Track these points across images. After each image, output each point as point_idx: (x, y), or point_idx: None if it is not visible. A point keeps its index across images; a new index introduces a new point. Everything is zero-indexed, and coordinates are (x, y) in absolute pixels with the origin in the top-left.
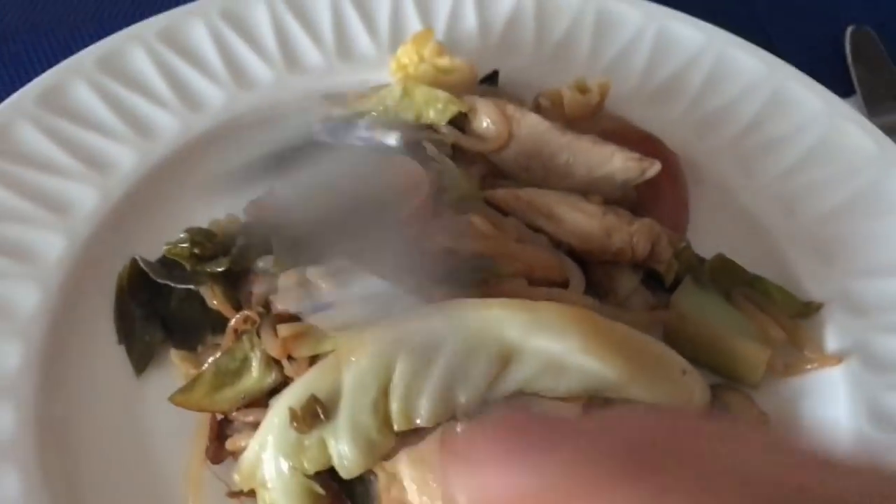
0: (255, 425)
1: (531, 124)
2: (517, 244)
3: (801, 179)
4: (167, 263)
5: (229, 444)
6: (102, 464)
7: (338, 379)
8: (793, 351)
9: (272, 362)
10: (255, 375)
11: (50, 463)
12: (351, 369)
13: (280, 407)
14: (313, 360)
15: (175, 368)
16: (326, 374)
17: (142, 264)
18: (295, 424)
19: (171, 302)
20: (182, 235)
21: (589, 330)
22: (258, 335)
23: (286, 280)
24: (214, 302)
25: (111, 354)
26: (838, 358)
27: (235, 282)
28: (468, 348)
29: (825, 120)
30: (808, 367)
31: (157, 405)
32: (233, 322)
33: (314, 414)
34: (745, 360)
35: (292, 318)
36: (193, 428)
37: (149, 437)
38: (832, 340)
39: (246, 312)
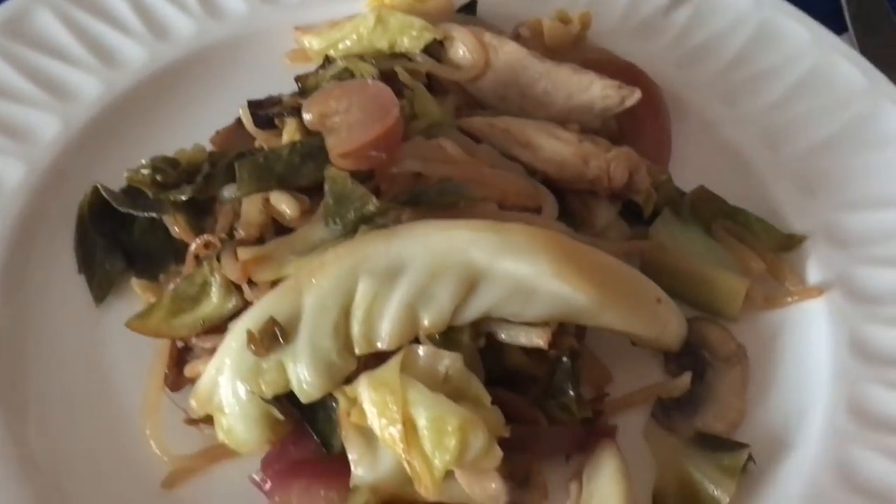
0: (214, 351)
1: (509, 52)
2: (489, 169)
3: (787, 113)
4: (130, 193)
5: (188, 371)
6: (61, 393)
7: (298, 301)
8: (773, 284)
9: (232, 287)
10: (215, 301)
11: (7, 392)
12: (311, 291)
13: (238, 330)
14: (275, 285)
15: (136, 298)
16: (286, 297)
17: (103, 192)
18: (252, 347)
19: (133, 232)
20: (143, 162)
21: (560, 253)
22: (218, 260)
23: (250, 205)
24: (177, 230)
25: (71, 283)
26: (820, 290)
27: (200, 211)
28: (433, 270)
29: (814, 53)
30: (789, 299)
31: (117, 334)
32: (193, 247)
33: (272, 336)
34: (723, 291)
35: (255, 243)
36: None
37: (108, 366)
38: (814, 273)
39: (206, 237)
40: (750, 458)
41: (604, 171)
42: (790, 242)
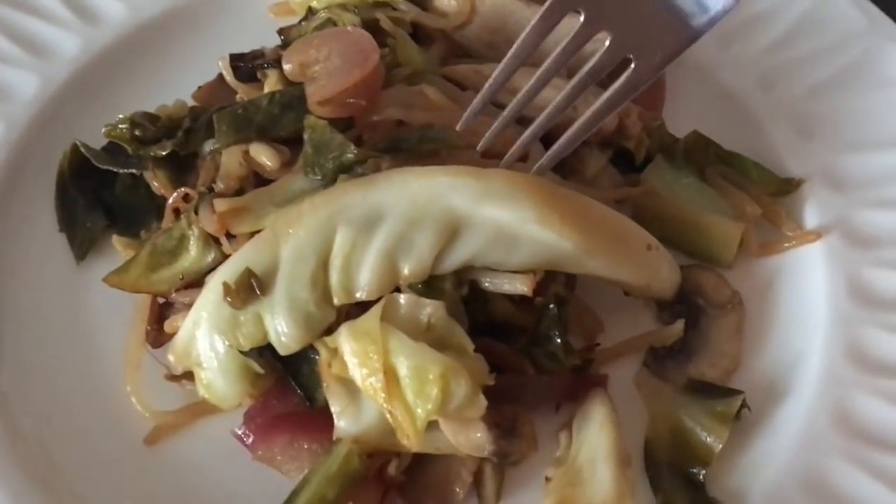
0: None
1: None
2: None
3: (784, 54)
4: (111, 150)
5: (167, 327)
6: (43, 351)
7: (275, 252)
8: (770, 231)
9: (210, 240)
10: (193, 254)
11: None
12: (288, 242)
13: (214, 282)
14: (253, 237)
15: (118, 255)
16: (263, 248)
17: (83, 150)
18: (229, 300)
19: (115, 189)
20: (121, 117)
21: (543, 199)
22: (196, 213)
23: (229, 157)
24: (157, 185)
25: (52, 242)
26: (818, 233)
27: (182, 167)
28: (412, 218)
29: None
30: (786, 245)
31: (99, 292)
32: (171, 200)
33: (249, 288)
34: (718, 237)
35: (235, 195)
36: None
37: (90, 324)
38: (812, 217)
39: (184, 189)
40: (744, 404)
41: None
42: (787, 187)
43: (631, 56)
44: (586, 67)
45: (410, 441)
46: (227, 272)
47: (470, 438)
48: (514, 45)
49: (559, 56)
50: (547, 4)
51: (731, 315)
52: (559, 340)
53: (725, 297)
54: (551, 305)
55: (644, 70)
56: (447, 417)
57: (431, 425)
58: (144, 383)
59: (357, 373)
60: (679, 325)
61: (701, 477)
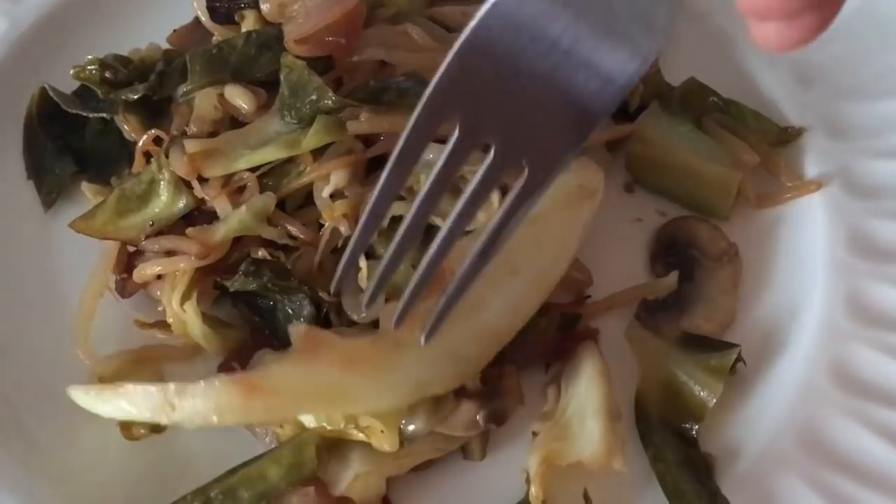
0: (165, 254)
1: None
2: None
3: None
4: (81, 95)
5: (136, 275)
6: (9, 299)
7: None
8: (768, 182)
9: (182, 185)
10: (164, 200)
11: None
12: None
13: None
14: (227, 181)
15: (88, 203)
16: None
17: (52, 94)
18: None
19: (85, 135)
20: (90, 58)
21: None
22: (167, 156)
23: (203, 99)
24: (128, 129)
25: (19, 189)
26: (818, 183)
27: (155, 113)
28: None
29: None
30: (785, 195)
31: (67, 240)
32: (141, 143)
33: None
34: (714, 185)
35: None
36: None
37: (58, 272)
38: (812, 167)
39: (155, 131)
40: (739, 358)
41: None
42: (787, 136)
43: (523, 163)
44: (469, 189)
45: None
46: None
47: (461, 421)
48: (383, 174)
49: (434, 186)
50: (413, 117)
51: (727, 267)
52: None
53: (721, 249)
54: None
55: (538, 176)
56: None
57: None
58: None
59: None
60: (673, 278)
61: (693, 432)
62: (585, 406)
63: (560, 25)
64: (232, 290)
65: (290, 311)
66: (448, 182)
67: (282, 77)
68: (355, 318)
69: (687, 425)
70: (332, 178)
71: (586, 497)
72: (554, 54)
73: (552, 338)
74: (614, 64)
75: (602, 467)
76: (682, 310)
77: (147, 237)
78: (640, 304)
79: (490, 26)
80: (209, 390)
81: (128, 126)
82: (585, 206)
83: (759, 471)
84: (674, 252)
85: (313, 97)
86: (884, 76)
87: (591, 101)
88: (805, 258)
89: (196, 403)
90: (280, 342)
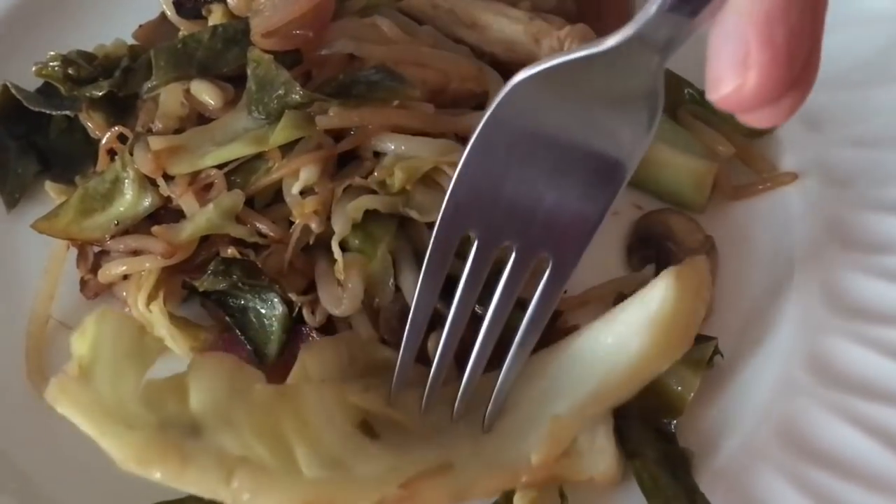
0: (131, 253)
1: None
2: (429, 50)
3: None
4: (45, 92)
5: (101, 276)
6: None
7: None
8: (744, 173)
9: (147, 183)
10: (129, 198)
11: None
12: None
13: None
14: (193, 179)
15: (52, 203)
16: None
17: (13, 91)
18: None
19: (49, 134)
20: (52, 54)
21: None
22: (131, 154)
23: (169, 95)
24: (90, 125)
25: None
26: (794, 174)
27: (120, 110)
28: None
29: None
30: (761, 187)
31: (31, 241)
32: (104, 140)
33: None
34: (689, 177)
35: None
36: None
37: (21, 274)
38: (787, 158)
39: (119, 128)
40: (717, 351)
41: (557, 51)
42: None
43: (546, 254)
44: (500, 287)
45: None
46: None
47: None
48: (417, 295)
49: (464, 296)
50: (432, 241)
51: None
52: None
53: (698, 242)
54: None
55: (564, 265)
56: None
57: None
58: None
59: None
60: (649, 271)
61: (672, 427)
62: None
63: (554, 119)
64: (201, 289)
65: (261, 310)
66: (477, 288)
67: (249, 72)
68: (336, 312)
69: (665, 420)
70: (301, 175)
71: (562, 495)
72: (555, 148)
73: None
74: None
75: (613, 483)
76: None
77: (112, 237)
78: (616, 298)
79: (490, 134)
80: None
81: (92, 124)
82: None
83: (736, 465)
84: (650, 245)
85: (281, 92)
86: (858, 66)
87: (603, 179)
88: (782, 249)
89: None
90: (251, 342)
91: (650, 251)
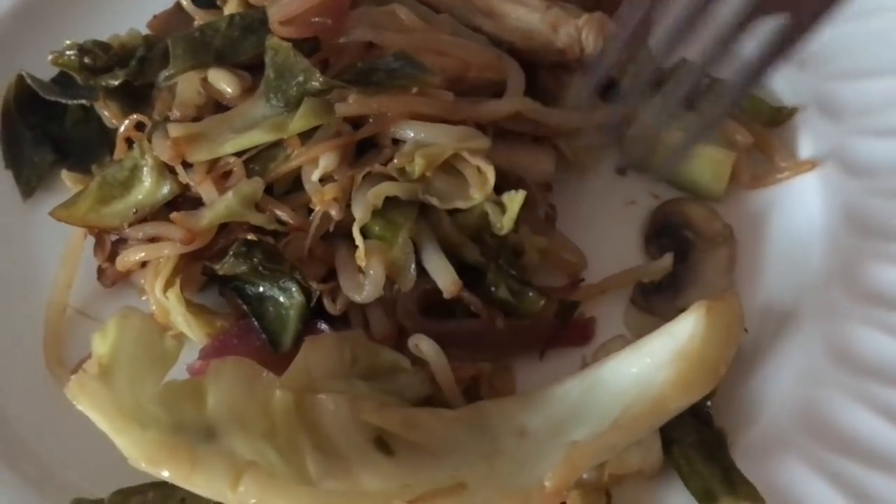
0: (149, 241)
1: None
2: (449, 38)
3: None
4: (60, 82)
5: (119, 263)
6: None
7: None
8: (762, 163)
9: (166, 170)
10: (147, 186)
11: None
12: None
13: None
14: (212, 167)
15: (69, 192)
16: None
17: (29, 81)
18: None
19: (65, 123)
20: (68, 43)
21: None
22: (150, 141)
23: (186, 84)
24: (107, 113)
25: None
26: (812, 163)
27: (136, 99)
28: None
29: None
30: (780, 176)
31: (48, 230)
32: (123, 128)
33: None
34: (708, 166)
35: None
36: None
37: (38, 262)
38: (806, 147)
39: (137, 116)
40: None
41: (575, 40)
42: (780, 116)
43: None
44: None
45: None
46: None
47: None
48: None
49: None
50: None
51: (721, 248)
52: (514, 283)
53: (715, 231)
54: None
55: (803, 21)
56: None
57: None
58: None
59: None
60: (668, 259)
61: (707, 408)
62: None
63: None
64: (221, 273)
65: (279, 299)
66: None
67: (267, 59)
68: (357, 299)
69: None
70: (320, 162)
71: (608, 494)
72: None
73: (546, 325)
74: None
75: (657, 474)
76: (677, 291)
77: (130, 225)
78: (635, 287)
79: None
80: None
81: (108, 113)
82: None
83: (759, 451)
84: (668, 234)
85: (300, 79)
86: (876, 56)
87: None
88: (802, 238)
89: None
90: (266, 331)
91: (668, 240)
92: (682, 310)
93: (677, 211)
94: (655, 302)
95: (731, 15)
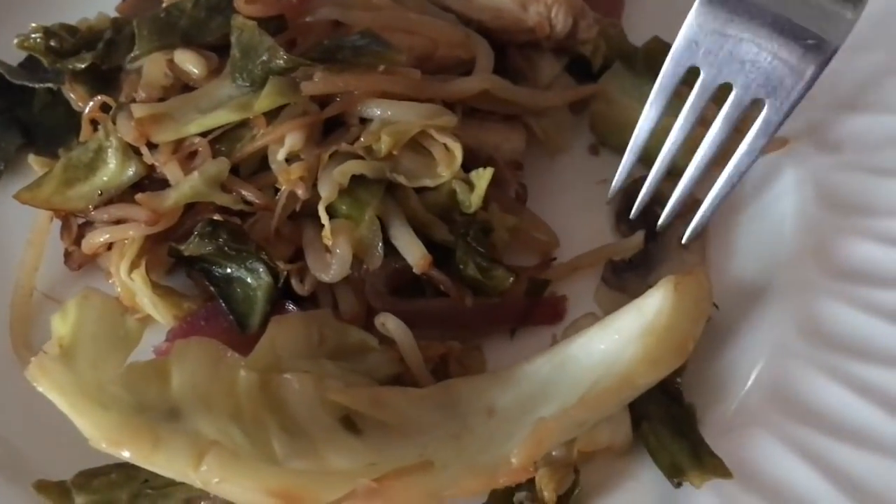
0: (115, 222)
1: None
2: (416, 16)
3: None
4: (28, 66)
5: (85, 245)
6: None
7: None
8: (734, 139)
9: (130, 151)
10: (112, 168)
11: None
12: None
13: None
14: (177, 147)
15: (36, 176)
16: None
17: None
18: None
19: (33, 107)
20: (34, 26)
21: None
22: (114, 122)
23: (152, 65)
24: (73, 97)
25: None
26: (785, 140)
27: (104, 83)
28: None
29: None
30: None
31: (15, 213)
32: (87, 110)
33: None
34: None
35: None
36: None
37: (5, 246)
38: None
39: (101, 98)
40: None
41: (545, 18)
42: None
43: (763, 98)
44: (717, 122)
45: None
46: None
47: None
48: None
49: (687, 117)
50: (664, 69)
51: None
52: (482, 261)
53: (686, 207)
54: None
55: (779, 108)
56: None
57: None
58: None
59: None
60: (639, 237)
61: (678, 385)
62: None
63: None
64: (186, 254)
65: (247, 280)
66: (696, 114)
67: (233, 39)
68: (325, 278)
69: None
70: (286, 141)
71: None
72: (772, 14)
73: (517, 304)
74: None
75: (628, 449)
76: (649, 269)
77: (96, 207)
78: (606, 265)
79: None
80: None
81: (75, 96)
82: None
83: (729, 426)
84: (638, 211)
85: (265, 58)
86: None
87: (824, 33)
88: (774, 214)
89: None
90: (234, 313)
91: (638, 217)
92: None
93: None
94: (627, 279)
95: None
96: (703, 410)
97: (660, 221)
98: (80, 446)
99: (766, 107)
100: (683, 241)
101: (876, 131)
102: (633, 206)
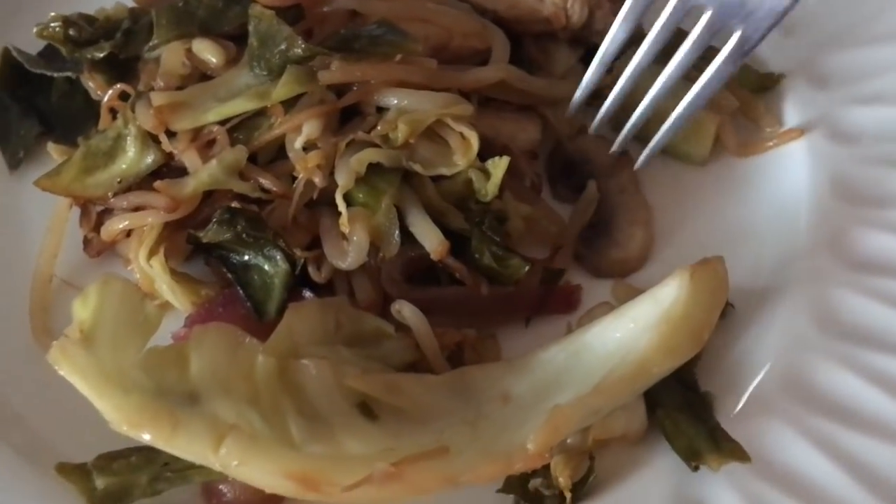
0: (134, 209)
1: None
2: (433, 5)
3: None
4: (46, 55)
5: (104, 232)
6: None
7: None
8: (750, 131)
9: (149, 139)
10: (131, 155)
11: None
12: None
13: None
14: (196, 135)
15: (55, 164)
16: None
17: (15, 54)
18: None
19: (51, 96)
20: (53, 15)
21: None
22: (133, 110)
23: (170, 54)
24: (92, 85)
25: None
26: (800, 131)
27: (122, 72)
28: None
29: None
30: (768, 143)
31: (34, 201)
32: (106, 98)
33: None
34: (691, 129)
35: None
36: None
37: (24, 233)
38: (793, 114)
39: (121, 86)
40: (728, 302)
41: (560, 8)
42: (767, 82)
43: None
44: (688, 43)
45: None
46: None
47: None
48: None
49: (657, 35)
50: None
51: (623, 172)
52: (498, 249)
53: (612, 158)
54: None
55: (750, 36)
56: None
57: None
58: None
59: None
60: (592, 187)
61: (693, 374)
62: None
63: None
64: (205, 240)
65: (264, 267)
66: (667, 32)
67: (251, 28)
68: (342, 266)
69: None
70: (304, 129)
71: (591, 457)
72: None
73: (531, 293)
74: None
75: (642, 437)
76: (609, 225)
77: (115, 194)
78: (576, 242)
79: None
80: None
81: (94, 85)
82: None
83: (745, 414)
84: (570, 173)
85: (282, 47)
86: (864, 23)
87: None
88: (789, 205)
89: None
90: (251, 300)
91: (572, 179)
92: (622, 244)
93: (571, 149)
94: (598, 244)
95: None
96: (718, 399)
97: (617, 141)
98: (100, 430)
99: (738, 32)
100: (637, 164)
101: (892, 124)
102: (561, 170)
